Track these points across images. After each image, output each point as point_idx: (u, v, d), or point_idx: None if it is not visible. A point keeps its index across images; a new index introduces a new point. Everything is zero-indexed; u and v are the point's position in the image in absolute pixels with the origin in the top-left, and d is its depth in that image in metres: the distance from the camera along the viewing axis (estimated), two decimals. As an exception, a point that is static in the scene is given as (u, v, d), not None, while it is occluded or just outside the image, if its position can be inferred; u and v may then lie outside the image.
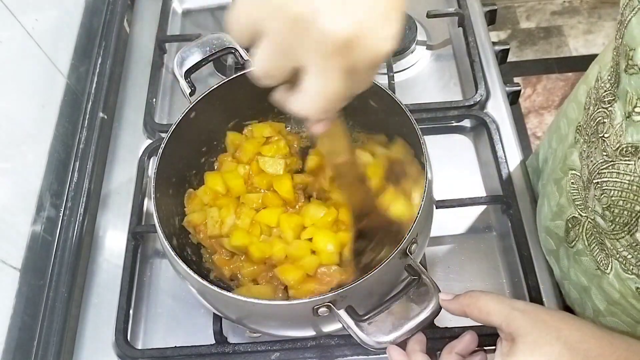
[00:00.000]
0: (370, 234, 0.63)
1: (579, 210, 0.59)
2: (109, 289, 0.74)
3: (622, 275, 0.54)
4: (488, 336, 0.65)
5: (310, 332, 0.61)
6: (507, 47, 0.95)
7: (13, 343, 0.65)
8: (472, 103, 0.83)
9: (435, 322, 0.67)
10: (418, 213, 0.56)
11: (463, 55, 0.90)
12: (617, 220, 0.51)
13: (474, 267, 0.73)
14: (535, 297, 0.68)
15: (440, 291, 0.53)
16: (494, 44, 0.93)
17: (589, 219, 0.57)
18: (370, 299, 0.56)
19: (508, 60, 0.98)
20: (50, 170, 0.77)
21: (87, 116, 0.85)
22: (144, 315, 0.74)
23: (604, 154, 0.52)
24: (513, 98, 0.91)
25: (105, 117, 0.87)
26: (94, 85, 0.88)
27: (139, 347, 0.72)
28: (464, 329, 0.66)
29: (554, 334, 0.47)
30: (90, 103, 0.86)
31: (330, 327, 0.59)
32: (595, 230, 0.56)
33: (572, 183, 0.60)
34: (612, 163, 0.51)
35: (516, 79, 2.06)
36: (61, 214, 0.77)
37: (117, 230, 0.80)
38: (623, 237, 0.51)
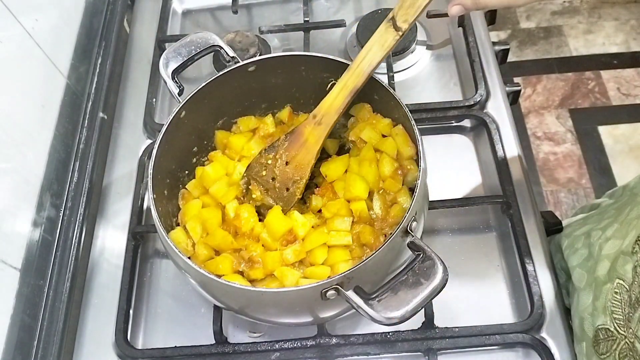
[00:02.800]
0: None
1: (615, 325, 0.54)
2: (109, 289, 0.74)
3: None
4: (489, 335, 0.65)
5: (314, 318, 0.62)
6: (507, 47, 0.95)
7: (13, 343, 0.65)
8: (472, 103, 0.83)
9: (435, 322, 0.67)
10: (415, 191, 0.57)
11: (463, 55, 0.90)
12: None
13: (474, 267, 0.73)
14: (535, 297, 0.68)
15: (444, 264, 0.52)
16: (494, 44, 0.93)
17: (627, 340, 0.52)
18: (376, 278, 0.57)
19: (508, 60, 0.98)
20: (50, 170, 0.77)
21: (87, 116, 0.85)
22: (144, 315, 0.74)
23: None
24: (513, 98, 0.91)
25: (105, 117, 0.87)
26: (94, 85, 0.88)
27: (139, 347, 0.72)
28: (464, 329, 0.66)
29: None
30: (90, 103, 0.86)
31: (334, 311, 0.60)
32: (631, 353, 0.52)
33: (616, 293, 0.55)
34: None
35: (516, 79, 2.06)
36: (61, 214, 0.77)
37: (117, 230, 0.80)
38: None
